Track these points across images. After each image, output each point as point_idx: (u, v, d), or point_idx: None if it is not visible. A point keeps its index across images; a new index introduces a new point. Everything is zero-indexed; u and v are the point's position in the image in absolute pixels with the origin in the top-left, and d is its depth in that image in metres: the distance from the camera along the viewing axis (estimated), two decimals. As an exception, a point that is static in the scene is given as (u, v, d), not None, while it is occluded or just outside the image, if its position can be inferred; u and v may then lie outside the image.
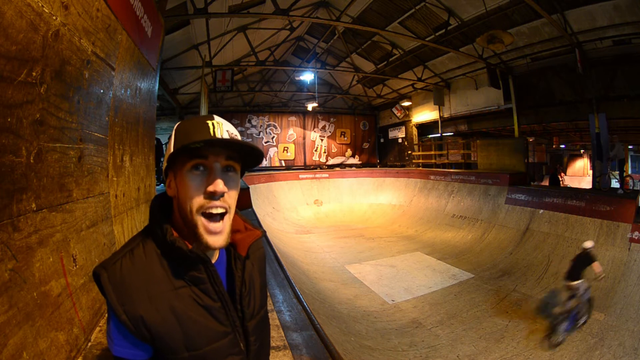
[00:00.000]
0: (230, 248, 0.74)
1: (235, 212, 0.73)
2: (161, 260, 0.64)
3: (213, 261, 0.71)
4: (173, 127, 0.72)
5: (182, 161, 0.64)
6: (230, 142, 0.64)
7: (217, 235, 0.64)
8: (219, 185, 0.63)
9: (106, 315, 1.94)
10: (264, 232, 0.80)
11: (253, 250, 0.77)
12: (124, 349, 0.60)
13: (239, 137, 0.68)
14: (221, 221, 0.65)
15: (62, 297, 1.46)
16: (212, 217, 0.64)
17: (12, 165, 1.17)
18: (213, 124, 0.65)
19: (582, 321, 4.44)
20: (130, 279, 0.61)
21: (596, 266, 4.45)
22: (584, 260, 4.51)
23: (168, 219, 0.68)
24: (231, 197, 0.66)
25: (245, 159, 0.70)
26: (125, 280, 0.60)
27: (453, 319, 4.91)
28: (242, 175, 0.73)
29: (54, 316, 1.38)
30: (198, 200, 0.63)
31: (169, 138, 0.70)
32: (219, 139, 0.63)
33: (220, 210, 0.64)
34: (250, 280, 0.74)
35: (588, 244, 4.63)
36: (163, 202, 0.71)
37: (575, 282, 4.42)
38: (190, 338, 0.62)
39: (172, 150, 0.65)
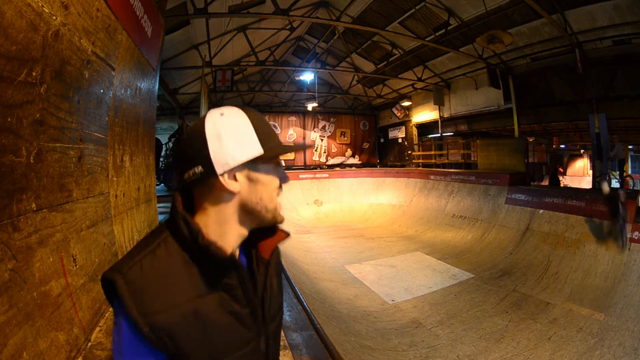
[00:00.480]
0: (252, 250, 0.72)
1: None
2: (187, 264, 0.59)
3: None
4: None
5: (260, 159, 0.64)
6: (302, 147, 0.77)
7: (281, 209, 0.70)
8: (289, 177, 0.73)
9: (106, 315, 1.94)
10: (288, 234, 0.76)
11: (275, 252, 0.75)
12: (135, 357, 0.55)
13: None
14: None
15: (62, 297, 1.46)
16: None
17: (12, 165, 1.17)
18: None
19: (626, 228, 5.48)
20: (152, 284, 0.55)
21: (621, 195, 5.53)
22: (612, 198, 5.61)
23: (191, 214, 0.63)
24: None
25: None
26: (147, 287, 0.54)
27: (453, 319, 4.90)
28: None
29: (54, 316, 1.38)
30: (277, 191, 0.69)
31: (229, 129, 0.62)
32: (296, 148, 0.80)
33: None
34: (270, 282, 0.72)
35: (605, 187, 5.85)
36: (184, 198, 0.66)
37: (620, 210, 5.46)
38: (216, 347, 0.59)
39: (259, 148, 0.63)
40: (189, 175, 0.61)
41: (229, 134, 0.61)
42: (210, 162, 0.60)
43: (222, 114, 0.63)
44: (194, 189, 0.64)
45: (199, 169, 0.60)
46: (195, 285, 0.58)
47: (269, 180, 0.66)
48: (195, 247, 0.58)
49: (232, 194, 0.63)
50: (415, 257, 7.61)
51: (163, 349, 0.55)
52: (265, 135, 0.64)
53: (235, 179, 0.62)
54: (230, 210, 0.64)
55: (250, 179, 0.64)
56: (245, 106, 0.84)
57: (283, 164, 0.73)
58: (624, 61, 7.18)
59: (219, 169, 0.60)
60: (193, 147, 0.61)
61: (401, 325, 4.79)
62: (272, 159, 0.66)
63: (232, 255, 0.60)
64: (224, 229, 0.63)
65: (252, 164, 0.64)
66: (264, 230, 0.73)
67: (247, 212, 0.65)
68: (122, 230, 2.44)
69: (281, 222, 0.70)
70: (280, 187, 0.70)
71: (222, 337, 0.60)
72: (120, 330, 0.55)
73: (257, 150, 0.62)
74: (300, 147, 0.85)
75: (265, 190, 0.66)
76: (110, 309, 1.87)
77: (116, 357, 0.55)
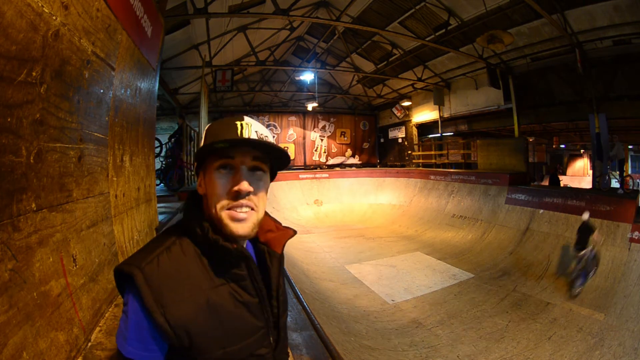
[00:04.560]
0: (263, 246, 0.76)
1: (267, 214, 0.76)
2: (200, 259, 0.63)
3: None
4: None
5: (210, 161, 0.66)
6: (252, 142, 0.65)
7: (241, 223, 0.64)
8: (243, 185, 0.64)
9: (106, 315, 1.94)
10: (295, 231, 0.81)
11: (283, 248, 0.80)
12: (140, 351, 0.57)
13: (270, 139, 0.70)
14: (246, 211, 0.65)
15: (62, 297, 1.46)
16: (236, 208, 0.65)
17: (12, 165, 1.17)
18: (242, 125, 0.66)
19: (591, 274, 5.27)
20: (169, 278, 0.59)
21: (596, 235, 5.36)
22: (585, 230, 5.43)
23: (202, 215, 0.68)
24: (258, 197, 0.67)
25: (274, 160, 0.72)
26: (164, 281, 0.58)
27: (453, 318, 4.90)
28: (272, 176, 0.75)
29: (54, 316, 1.38)
30: (224, 198, 0.64)
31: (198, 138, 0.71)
32: (241, 139, 0.64)
33: (244, 210, 0.65)
34: (281, 277, 0.77)
35: (585, 216, 5.59)
36: (196, 199, 0.71)
37: (583, 251, 5.32)
38: (228, 335, 0.62)
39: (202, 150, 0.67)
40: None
41: (202, 143, 0.69)
42: (194, 167, 0.70)
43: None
44: None
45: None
46: (207, 277, 0.62)
47: (213, 184, 0.65)
48: (206, 241, 0.63)
49: (202, 194, 0.69)
50: (415, 257, 7.61)
51: (176, 341, 0.57)
52: (211, 137, 0.66)
53: (200, 182, 0.69)
54: (206, 213, 0.68)
55: (205, 183, 0.68)
56: (235, 113, 0.85)
57: (243, 168, 0.65)
58: (624, 61, 7.17)
59: (196, 172, 0.71)
60: None
61: (401, 325, 4.79)
62: (214, 161, 0.65)
63: (240, 246, 0.65)
64: (213, 223, 0.66)
65: (204, 169, 0.68)
66: (271, 227, 0.79)
67: (210, 216, 0.66)
68: (122, 230, 2.44)
69: (230, 235, 0.64)
70: (237, 194, 0.64)
71: (233, 325, 0.63)
72: (128, 318, 0.57)
73: (199, 152, 0.67)
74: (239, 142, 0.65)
75: (211, 195, 0.66)
76: (110, 309, 1.87)
77: (119, 342, 0.58)
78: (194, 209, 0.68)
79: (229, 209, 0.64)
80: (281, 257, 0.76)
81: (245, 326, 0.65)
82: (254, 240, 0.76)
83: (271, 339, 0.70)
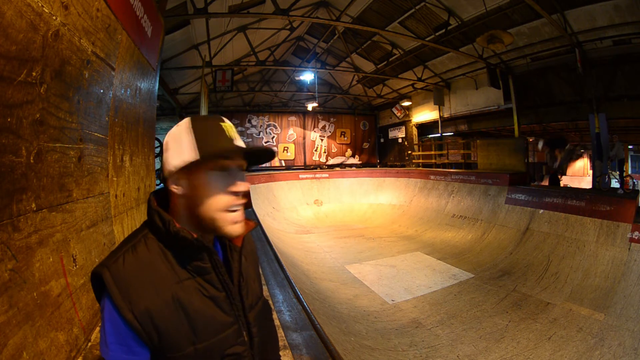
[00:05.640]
0: (225, 240, 0.76)
1: None
2: (165, 254, 0.64)
3: None
4: (173, 126, 0.71)
5: (200, 162, 0.65)
6: (256, 152, 0.69)
7: (238, 224, 0.67)
8: (245, 186, 0.67)
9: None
10: (258, 223, 0.84)
11: (247, 241, 0.79)
12: (122, 354, 0.58)
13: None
14: (239, 211, 0.68)
15: (62, 297, 1.46)
16: (233, 210, 0.67)
17: (12, 165, 1.17)
18: (227, 128, 0.68)
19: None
20: (135, 275, 0.60)
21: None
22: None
23: (165, 209, 0.68)
24: (246, 193, 0.71)
25: (252, 158, 0.74)
26: (130, 277, 0.59)
27: (453, 318, 4.90)
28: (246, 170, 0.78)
29: (54, 316, 1.38)
30: (224, 199, 0.66)
31: (173, 138, 0.69)
32: (250, 150, 0.68)
33: (239, 207, 0.68)
34: (246, 271, 0.76)
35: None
36: (160, 197, 0.72)
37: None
38: (197, 330, 0.62)
39: (196, 153, 0.64)
40: (160, 176, 0.68)
41: (172, 144, 0.68)
42: (163, 168, 0.70)
43: (176, 125, 0.70)
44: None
45: (162, 173, 0.71)
46: (172, 272, 0.63)
47: (207, 187, 0.65)
48: (169, 234, 0.63)
49: (178, 196, 0.68)
50: (415, 257, 7.61)
51: (147, 338, 0.58)
52: (203, 142, 0.65)
53: (178, 183, 0.67)
54: (182, 211, 0.68)
55: (191, 184, 0.67)
56: (214, 113, 0.86)
57: (243, 168, 0.70)
58: (624, 61, 7.18)
59: (166, 174, 0.69)
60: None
61: (401, 325, 4.79)
62: (208, 163, 0.65)
63: (200, 237, 0.65)
64: (183, 226, 0.67)
65: (189, 170, 0.66)
66: None
67: (194, 216, 0.67)
68: (122, 230, 2.44)
69: (230, 235, 0.67)
70: (235, 194, 0.67)
71: (203, 320, 0.63)
72: (105, 321, 0.58)
73: (190, 156, 0.65)
74: (254, 150, 0.73)
75: (205, 197, 0.65)
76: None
77: (102, 351, 0.59)
78: (158, 205, 0.68)
79: (226, 210, 0.66)
80: (241, 250, 0.75)
81: (214, 321, 0.65)
82: (219, 236, 0.76)
83: (245, 335, 0.70)
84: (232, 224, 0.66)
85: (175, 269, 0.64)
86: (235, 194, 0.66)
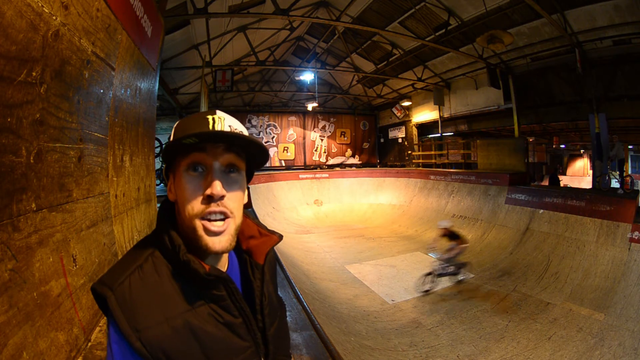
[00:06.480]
0: (245, 256, 0.69)
1: (248, 217, 0.69)
2: (174, 278, 0.57)
3: (224, 270, 0.64)
4: (173, 127, 0.67)
5: (179, 161, 0.59)
6: (226, 135, 0.57)
7: (218, 236, 0.57)
8: (216, 187, 0.55)
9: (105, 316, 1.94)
10: (281, 236, 0.73)
11: (269, 257, 0.71)
12: None
13: (245, 133, 0.60)
14: (223, 221, 0.57)
15: (62, 297, 1.46)
16: (212, 219, 0.57)
17: (12, 165, 1.17)
18: (213, 119, 0.58)
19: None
20: (142, 300, 0.54)
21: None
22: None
23: (174, 226, 0.61)
24: (233, 201, 0.59)
25: (251, 158, 0.64)
26: (136, 303, 0.53)
27: (453, 319, 4.90)
28: (250, 177, 0.67)
29: (54, 316, 1.38)
30: (196, 205, 0.56)
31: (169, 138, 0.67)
32: (212, 132, 0.56)
33: (218, 217, 0.57)
34: (267, 288, 0.69)
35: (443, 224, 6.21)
36: (169, 207, 0.64)
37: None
38: (210, 358, 0.56)
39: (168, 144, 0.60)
40: (160, 177, 0.65)
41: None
42: (163, 170, 0.65)
43: None
44: None
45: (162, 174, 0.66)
46: (184, 298, 0.56)
47: (182, 188, 0.58)
48: (178, 262, 0.56)
49: (172, 200, 0.62)
50: (415, 257, 7.61)
51: None
52: (179, 132, 0.59)
53: (170, 187, 0.62)
54: (179, 221, 0.60)
55: (175, 187, 0.60)
56: (235, 113, 0.80)
57: (215, 168, 0.57)
58: (624, 61, 7.18)
59: (166, 175, 0.64)
60: None
61: (401, 325, 4.79)
62: (182, 162, 0.58)
63: (212, 269, 0.57)
64: (186, 233, 0.59)
65: (173, 172, 0.61)
66: (254, 232, 0.71)
67: (181, 220, 0.60)
68: (122, 230, 2.44)
69: (209, 250, 0.57)
70: (210, 198, 0.56)
71: (217, 347, 0.58)
72: (111, 345, 0.53)
73: (166, 151, 0.60)
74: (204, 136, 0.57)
75: (182, 201, 0.58)
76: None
77: None
78: (164, 218, 0.61)
79: (202, 217, 0.56)
80: (264, 267, 0.69)
81: (229, 347, 0.59)
82: (237, 247, 0.68)
83: (262, 356, 0.65)
84: (212, 235, 0.56)
85: (187, 295, 0.57)
86: (210, 198, 0.56)
